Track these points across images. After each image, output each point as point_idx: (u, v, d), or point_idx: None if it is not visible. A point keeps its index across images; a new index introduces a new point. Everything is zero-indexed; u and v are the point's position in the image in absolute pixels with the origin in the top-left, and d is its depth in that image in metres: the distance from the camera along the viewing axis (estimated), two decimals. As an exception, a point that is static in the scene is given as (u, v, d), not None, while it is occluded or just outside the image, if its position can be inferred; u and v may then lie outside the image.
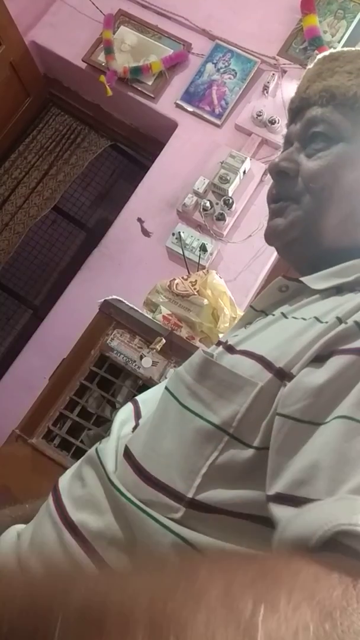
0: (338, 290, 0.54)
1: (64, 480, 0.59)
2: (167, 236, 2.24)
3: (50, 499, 0.57)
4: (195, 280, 1.59)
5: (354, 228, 0.59)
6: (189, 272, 1.79)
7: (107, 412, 1.42)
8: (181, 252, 2.14)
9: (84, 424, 1.38)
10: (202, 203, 2.19)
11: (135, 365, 1.41)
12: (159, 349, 1.41)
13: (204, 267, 2.05)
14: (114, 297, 1.50)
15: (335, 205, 0.59)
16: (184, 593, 0.26)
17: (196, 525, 0.45)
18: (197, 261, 2.12)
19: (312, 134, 0.61)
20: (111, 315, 1.47)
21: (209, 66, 2.44)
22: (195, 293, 1.55)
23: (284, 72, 2.38)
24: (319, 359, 0.45)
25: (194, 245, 2.18)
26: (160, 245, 2.27)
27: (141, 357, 1.42)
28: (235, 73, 2.41)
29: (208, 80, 2.43)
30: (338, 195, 0.59)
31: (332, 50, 0.66)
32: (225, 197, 2.19)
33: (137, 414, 0.64)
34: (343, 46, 2.32)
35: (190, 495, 0.46)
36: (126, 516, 0.48)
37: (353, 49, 0.65)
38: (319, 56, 0.67)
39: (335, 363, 0.43)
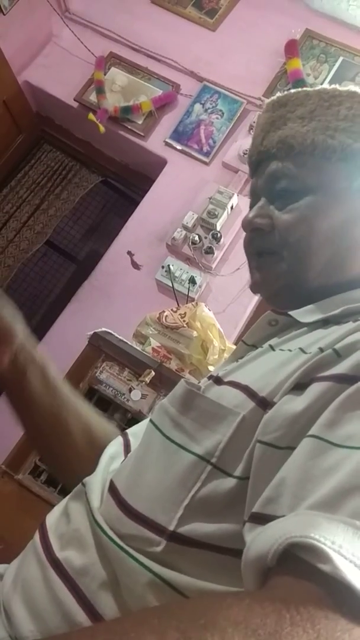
0: (325, 322, 0.55)
1: (52, 518, 0.58)
2: (157, 269, 2.26)
3: (36, 537, 0.56)
4: (185, 313, 1.60)
5: (338, 268, 0.60)
6: (178, 305, 1.80)
7: (96, 446, 1.39)
8: (170, 285, 2.16)
9: (72, 459, 1.36)
10: (191, 237, 2.23)
11: (124, 398, 1.40)
12: (148, 381, 1.41)
13: (193, 300, 2.06)
14: (104, 329, 1.50)
15: (315, 253, 0.59)
16: None
17: (177, 560, 0.45)
18: (187, 294, 2.14)
19: (279, 190, 0.61)
20: (100, 347, 1.47)
21: (197, 106, 2.52)
22: (185, 325, 1.56)
23: (270, 112, 2.46)
24: (299, 387, 0.45)
25: (183, 278, 2.20)
26: (149, 278, 2.29)
27: (130, 390, 1.41)
28: (222, 113, 2.49)
29: (196, 119, 2.50)
30: (316, 244, 0.59)
31: (279, 94, 0.65)
32: (213, 231, 2.22)
33: (127, 447, 0.63)
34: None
35: (171, 527, 0.45)
36: (107, 554, 0.48)
37: (300, 89, 0.64)
38: (268, 102, 0.66)
39: (314, 390, 0.44)
